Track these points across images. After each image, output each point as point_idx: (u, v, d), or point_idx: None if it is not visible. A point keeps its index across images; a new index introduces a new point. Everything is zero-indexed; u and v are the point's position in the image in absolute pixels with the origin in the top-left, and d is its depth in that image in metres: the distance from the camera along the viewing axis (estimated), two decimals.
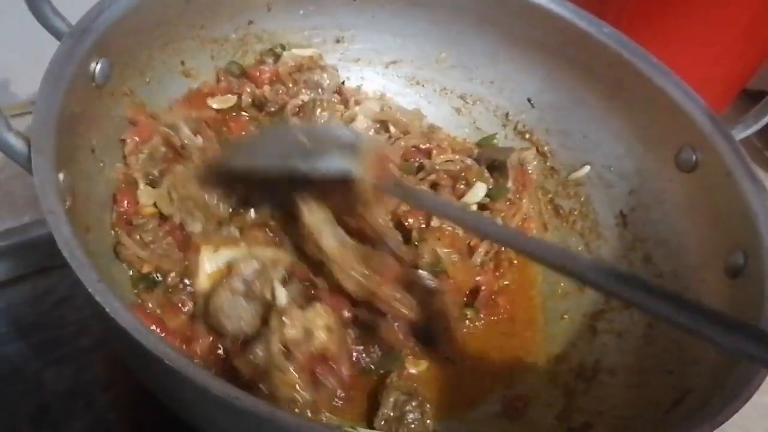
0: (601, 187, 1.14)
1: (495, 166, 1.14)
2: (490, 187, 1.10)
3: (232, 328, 0.82)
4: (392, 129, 1.16)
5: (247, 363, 0.78)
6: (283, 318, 0.80)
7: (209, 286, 0.86)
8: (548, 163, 1.19)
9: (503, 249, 1.06)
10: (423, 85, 1.26)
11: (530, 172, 1.11)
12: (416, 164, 1.13)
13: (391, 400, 0.87)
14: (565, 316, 1.05)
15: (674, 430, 0.78)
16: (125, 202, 0.91)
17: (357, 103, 1.16)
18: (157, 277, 0.89)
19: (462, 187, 1.09)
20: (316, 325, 0.81)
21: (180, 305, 0.85)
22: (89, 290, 0.59)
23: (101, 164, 0.88)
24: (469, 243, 1.04)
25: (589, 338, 1.01)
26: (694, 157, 0.99)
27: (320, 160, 0.87)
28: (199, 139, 0.98)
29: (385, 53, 1.24)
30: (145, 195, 0.92)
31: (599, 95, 1.12)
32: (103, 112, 0.89)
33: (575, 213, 1.15)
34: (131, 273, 0.88)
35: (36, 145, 0.68)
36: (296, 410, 0.76)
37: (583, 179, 1.15)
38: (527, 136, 1.22)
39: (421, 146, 1.14)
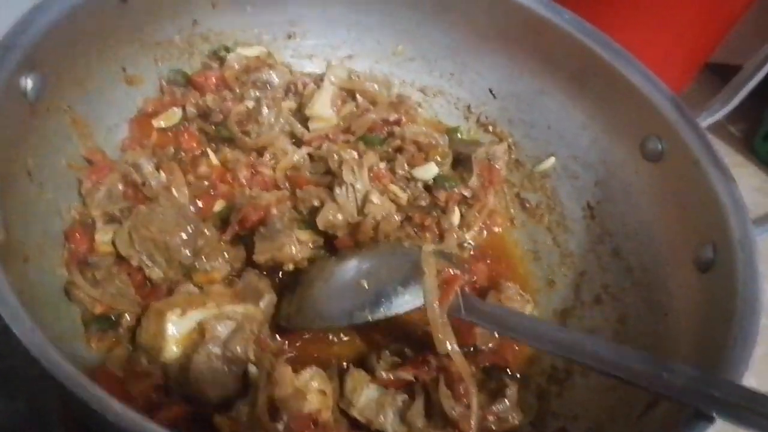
0: (566, 178, 1.11)
1: (459, 159, 1.10)
2: (440, 172, 1.06)
3: (216, 395, 0.78)
4: (359, 99, 1.12)
5: (229, 420, 0.74)
6: (273, 375, 0.76)
7: (180, 354, 0.80)
8: (513, 156, 1.16)
9: None
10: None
11: (498, 167, 1.07)
12: (382, 136, 1.08)
13: None
14: (534, 314, 1.02)
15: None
16: (79, 239, 0.86)
17: (318, 82, 1.11)
18: (113, 318, 0.84)
19: (420, 159, 1.06)
20: (309, 388, 0.78)
21: (145, 375, 0.79)
22: (23, 342, 0.54)
23: (39, 187, 0.82)
24: None
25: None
26: (659, 146, 0.97)
27: (388, 307, 0.85)
28: (163, 176, 0.93)
29: (340, 48, 1.19)
30: (103, 233, 0.87)
31: (562, 84, 1.09)
32: (39, 131, 0.83)
33: (542, 206, 1.13)
34: (82, 314, 0.83)
35: None
36: None
37: (548, 171, 1.13)
38: (490, 128, 1.18)
39: (390, 118, 1.10)
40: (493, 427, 0.84)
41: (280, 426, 0.74)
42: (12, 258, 0.71)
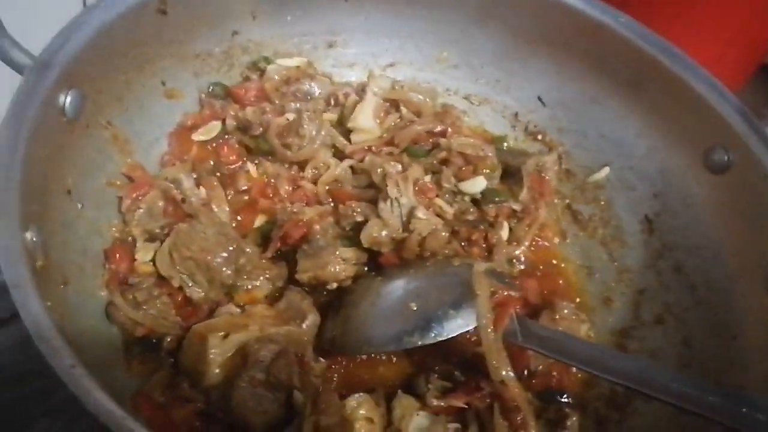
0: (622, 189, 1.05)
1: (508, 170, 1.05)
2: (489, 185, 1.00)
3: (259, 422, 0.75)
4: (403, 110, 1.07)
5: None
6: (319, 404, 0.73)
7: (222, 378, 0.78)
8: (564, 166, 1.10)
9: None
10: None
11: (548, 179, 1.02)
12: (427, 148, 1.04)
13: None
14: (591, 334, 0.97)
15: None
16: (119, 259, 0.84)
17: (360, 93, 1.07)
18: (154, 341, 0.82)
19: (468, 172, 1.01)
20: (357, 416, 0.74)
21: (187, 401, 0.77)
22: (63, 379, 0.51)
23: (79, 207, 0.80)
24: None
25: None
26: (726, 157, 0.91)
27: (439, 332, 0.81)
28: (203, 191, 0.91)
29: (382, 56, 1.15)
30: (143, 252, 0.85)
31: (617, 91, 1.04)
32: (78, 149, 0.81)
33: (595, 219, 1.07)
34: (123, 337, 0.81)
35: None
36: None
37: (602, 182, 1.07)
38: (539, 137, 1.13)
39: (435, 129, 1.05)
40: None
41: None
42: (51, 283, 0.69)
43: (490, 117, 1.16)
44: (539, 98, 1.12)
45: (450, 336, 0.81)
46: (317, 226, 0.90)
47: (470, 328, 0.81)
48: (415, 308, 0.83)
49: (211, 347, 0.78)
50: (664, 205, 1.00)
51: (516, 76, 1.13)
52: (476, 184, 0.99)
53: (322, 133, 1.00)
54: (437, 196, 0.97)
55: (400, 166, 0.96)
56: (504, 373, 0.78)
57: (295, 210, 0.92)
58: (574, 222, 1.09)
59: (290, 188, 0.97)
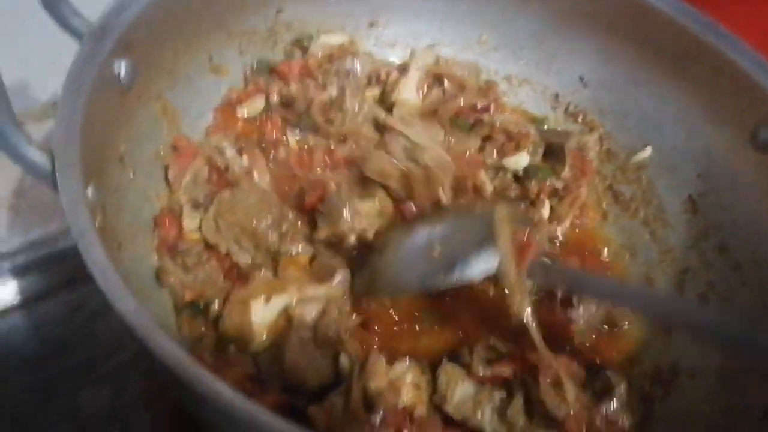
0: (664, 170, 1.04)
1: (550, 150, 1.05)
2: (531, 162, 1.03)
3: (313, 381, 0.76)
4: (446, 84, 1.07)
5: (324, 412, 0.72)
6: (368, 368, 0.74)
7: (269, 342, 0.79)
8: (605, 146, 1.10)
9: None
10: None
11: (590, 158, 1.02)
12: (470, 121, 1.04)
13: None
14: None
15: None
16: (168, 226, 0.85)
17: (403, 71, 1.07)
18: (201, 306, 0.83)
19: (510, 148, 1.02)
20: (404, 382, 0.75)
21: (236, 364, 0.77)
22: (129, 323, 0.52)
23: (131, 174, 0.82)
24: None
25: (663, 337, 0.92)
26: None
27: (461, 271, 0.81)
28: (245, 160, 0.92)
29: (422, 37, 1.15)
30: (190, 220, 0.87)
31: (660, 71, 1.03)
32: (130, 117, 0.82)
33: (637, 199, 1.06)
34: (174, 301, 0.83)
35: (61, 159, 0.62)
36: None
37: (644, 162, 1.06)
38: (580, 118, 1.13)
39: (478, 105, 1.05)
40: (603, 430, 0.78)
41: (376, 419, 0.71)
42: (108, 243, 0.70)
43: (530, 98, 1.16)
44: (580, 78, 1.12)
45: (473, 277, 0.81)
46: (333, 185, 0.91)
47: (493, 268, 0.81)
48: (438, 251, 0.83)
49: (253, 313, 0.79)
50: (709, 184, 0.99)
51: (557, 57, 1.12)
52: (519, 160, 1.00)
53: (365, 108, 1.01)
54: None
55: None
56: (526, 311, 0.79)
57: (316, 176, 0.94)
58: (616, 203, 1.08)
59: (325, 159, 0.98)
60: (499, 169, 0.99)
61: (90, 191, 0.64)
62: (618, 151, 1.09)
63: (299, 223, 0.91)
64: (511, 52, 1.15)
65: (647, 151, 1.06)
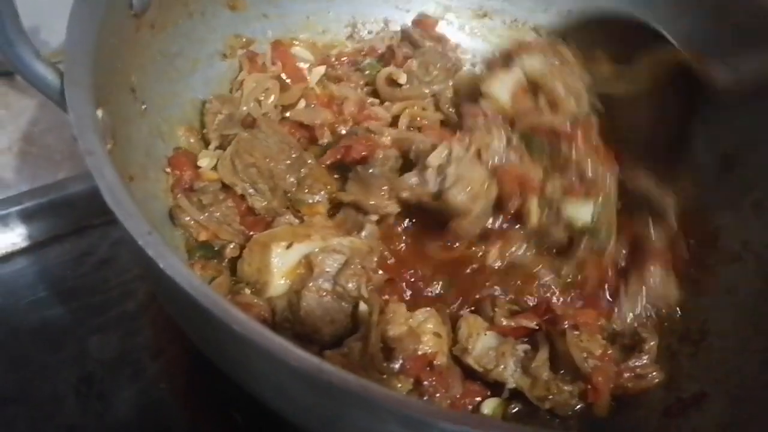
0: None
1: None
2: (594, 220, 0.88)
3: (328, 332, 0.73)
4: (542, 100, 0.95)
5: (341, 357, 0.69)
6: (387, 314, 0.71)
7: (288, 288, 0.76)
8: None
9: None
10: (491, 18, 1.12)
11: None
12: (547, 145, 0.90)
13: None
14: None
15: None
16: (183, 165, 0.83)
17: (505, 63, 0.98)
18: (215, 248, 0.81)
19: (579, 193, 0.87)
20: (424, 329, 0.72)
21: (250, 305, 0.75)
22: (139, 242, 0.49)
23: (143, 107, 0.79)
24: None
25: (692, 295, 0.88)
26: None
27: None
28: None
29: None
30: (204, 159, 0.85)
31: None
32: (143, 48, 0.79)
33: None
34: (186, 241, 0.81)
35: (70, 77, 0.58)
36: None
37: None
38: None
39: (562, 130, 0.90)
40: (629, 385, 0.75)
41: (395, 366, 0.68)
42: (119, 171, 0.67)
43: None
44: None
45: None
46: (380, 152, 0.86)
47: None
48: None
49: (274, 257, 0.76)
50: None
51: (588, 4, 1.06)
52: (582, 211, 0.86)
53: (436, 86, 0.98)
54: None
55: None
56: None
57: (371, 128, 0.89)
58: None
59: (356, 110, 0.94)
60: (554, 207, 0.86)
61: (101, 113, 0.61)
62: None
63: (319, 169, 0.87)
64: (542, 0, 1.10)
65: None
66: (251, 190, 0.82)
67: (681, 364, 0.83)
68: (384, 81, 1.00)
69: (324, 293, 0.74)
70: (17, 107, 1.13)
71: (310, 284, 0.74)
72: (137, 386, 0.84)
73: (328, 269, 0.75)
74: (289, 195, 0.83)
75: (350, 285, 0.75)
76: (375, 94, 1.02)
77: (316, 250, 0.77)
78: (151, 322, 0.90)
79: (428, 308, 0.75)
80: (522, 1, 1.11)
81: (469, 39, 1.12)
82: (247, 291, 0.76)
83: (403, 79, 0.99)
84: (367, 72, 1.03)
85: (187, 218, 0.78)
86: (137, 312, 0.91)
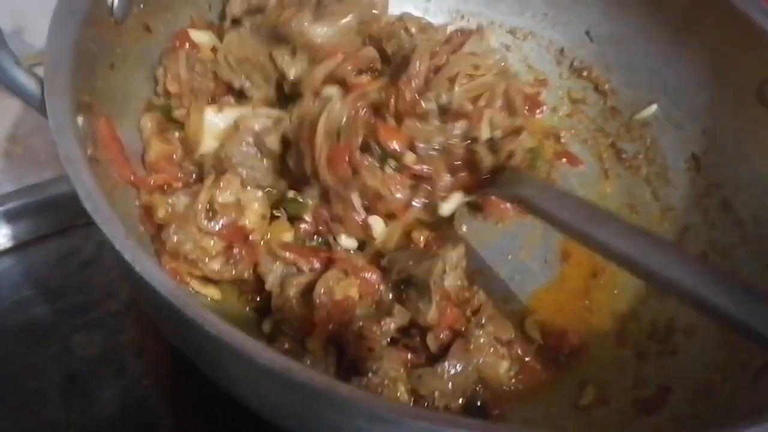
0: (669, 127, 1.03)
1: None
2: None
3: (247, 177, 0.81)
4: None
5: (166, 205, 0.76)
6: (221, 181, 0.78)
7: (216, 147, 0.85)
8: (608, 103, 1.08)
9: None
10: (468, 20, 1.14)
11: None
12: None
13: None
14: None
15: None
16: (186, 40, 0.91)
17: None
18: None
19: None
20: (251, 208, 0.78)
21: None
22: (116, 247, 0.51)
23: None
24: None
25: (660, 294, 0.91)
26: None
27: None
28: None
29: None
30: (205, 36, 0.93)
31: (668, 25, 1.00)
32: (122, 53, 0.80)
33: (640, 157, 1.05)
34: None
35: (50, 85, 0.60)
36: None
37: (649, 119, 1.04)
38: (585, 73, 1.10)
39: None
40: None
41: (213, 226, 0.75)
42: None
43: (534, 52, 1.13)
44: (587, 33, 1.09)
45: None
46: None
47: None
48: None
49: (207, 116, 0.85)
50: (713, 142, 0.98)
51: (564, 9, 1.10)
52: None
53: None
54: None
55: None
56: None
57: None
58: (618, 161, 1.07)
59: None
60: None
61: (80, 120, 0.63)
62: (623, 108, 1.07)
63: None
64: (518, 3, 1.12)
65: (652, 108, 1.04)
66: (247, 84, 0.89)
67: (649, 362, 0.86)
68: None
69: (246, 145, 0.82)
70: (1, 107, 1.15)
71: (235, 138, 0.82)
72: (121, 384, 0.86)
73: (252, 127, 0.83)
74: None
75: (271, 141, 0.82)
76: None
77: (246, 114, 0.85)
78: (134, 321, 0.91)
79: (260, 192, 0.81)
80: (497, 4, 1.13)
81: None
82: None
83: None
84: None
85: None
86: (120, 311, 0.92)
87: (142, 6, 0.81)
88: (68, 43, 0.65)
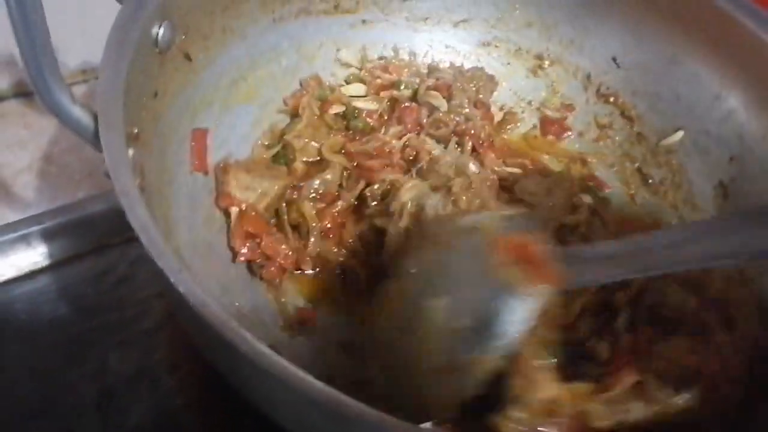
0: (696, 154, 1.03)
1: None
2: None
3: None
4: None
5: None
6: None
7: None
8: (635, 129, 1.09)
9: None
10: (496, 46, 1.16)
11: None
12: None
13: None
14: None
15: None
16: None
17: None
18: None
19: None
20: None
21: None
22: (171, 280, 0.52)
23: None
24: None
25: None
26: None
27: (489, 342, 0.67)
28: None
29: (456, 11, 1.14)
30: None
31: (696, 52, 1.01)
32: (164, 82, 0.82)
33: (666, 183, 1.06)
34: None
35: (104, 119, 0.62)
36: None
37: (675, 146, 1.05)
38: (611, 99, 1.11)
39: None
40: None
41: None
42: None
43: (561, 78, 1.15)
44: (614, 59, 1.10)
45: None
46: None
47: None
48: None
49: None
50: (742, 170, 0.98)
51: (591, 35, 1.11)
52: None
53: None
54: None
55: None
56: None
57: None
58: (644, 185, 1.08)
59: None
60: None
61: (131, 152, 0.65)
62: (649, 134, 1.08)
63: None
64: (545, 29, 1.13)
65: (678, 135, 1.04)
66: None
67: None
68: None
69: None
70: (37, 127, 1.17)
71: None
72: (154, 400, 0.88)
73: None
74: None
75: None
76: None
77: None
78: (168, 338, 0.94)
79: None
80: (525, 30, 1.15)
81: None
82: None
83: None
84: None
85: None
86: (154, 329, 0.95)
87: (184, 36, 0.82)
88: (120, 76, 0.67)
